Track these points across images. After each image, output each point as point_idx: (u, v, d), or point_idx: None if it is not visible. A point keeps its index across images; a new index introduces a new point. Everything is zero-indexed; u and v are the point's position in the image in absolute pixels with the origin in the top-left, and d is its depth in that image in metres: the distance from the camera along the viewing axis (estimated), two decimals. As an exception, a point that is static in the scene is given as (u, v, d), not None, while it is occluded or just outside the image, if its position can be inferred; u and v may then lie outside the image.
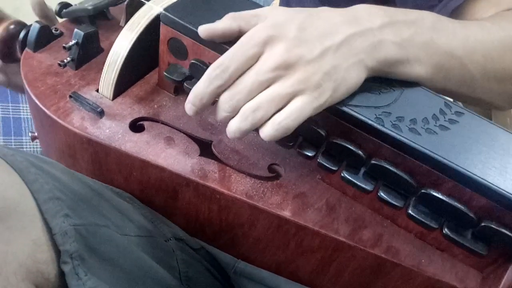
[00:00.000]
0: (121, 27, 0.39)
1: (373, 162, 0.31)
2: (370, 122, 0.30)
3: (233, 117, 0.30)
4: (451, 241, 0.30)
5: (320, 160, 0.33)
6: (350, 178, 0.32)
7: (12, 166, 0.29)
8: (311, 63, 0.28)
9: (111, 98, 0.39)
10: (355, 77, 0.29)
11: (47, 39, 0.43)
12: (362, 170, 0.32)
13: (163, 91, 0.41)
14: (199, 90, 0.31)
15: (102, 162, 0.37)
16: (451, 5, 0.40)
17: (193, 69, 0.35)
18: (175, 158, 0.35)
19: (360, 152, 0.31)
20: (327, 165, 0.32)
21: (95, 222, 0.31)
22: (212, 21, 0.33)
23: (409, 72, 0.31)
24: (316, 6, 0.32)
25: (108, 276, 0.30)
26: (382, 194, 0.31)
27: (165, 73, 0.37)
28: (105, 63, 0.38)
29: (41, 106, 0.37)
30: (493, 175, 0.28)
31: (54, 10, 0.45)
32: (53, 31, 0.43)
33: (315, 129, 0.32)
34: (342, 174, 0.32)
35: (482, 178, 0.28)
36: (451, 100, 0.33)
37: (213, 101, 0.31)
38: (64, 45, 0.39)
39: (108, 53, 0.38)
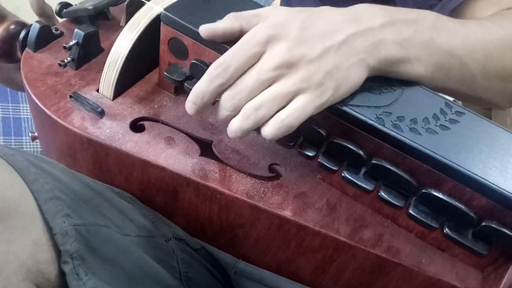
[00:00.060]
0: (122, 27, 0.39)
1: (373, 162, 0.31)
2: (370, 122, 0.30)
3: (234, 116, 0.30)
4: (451, 241, 0.30)
5: (321, 160, 0.33)
6: (350, 178, 0.32)
7: (13, 166, 0.29)
8: (313, 62, 0.28)
9: (111, 98, 0.39)
10: (356, 76, 0.29)
11: (47, 39, 0.43)
12: (363, 170, 0.32)
13: (164, 91, 0.41)
14: (200, 88, 0.30)
15: (102, 162, 0.37)
16: (451, 4, 0.40)
17: (194, 69, 0.35)
18: (176, 158, 0.35)
19: (360, 152, 0.31)
20: (327, 165, 0.32)
21: (96, 222, 0.31)
22: (213, 21, 0.33)
23: (410, 71, 0.31)
24: (317, 5, 0.32)
25: (109, 276, 0.30)
26: (382, 194, 0.31)
27: (165, 73, 0.37)
28: (106, 63, 0.38)
29: (41, 106, 0.37)
30: (493, 175, 0.28)
31: (54, 10, 0.45)
32: (53, 31, 0.43)
33: (316, 129, 0.32)
34: (342, 174, 0.32)
35: (482, 178, 0.28)
36: (452, 99, 0.33)
37: (214, 101, 0.31)
38: (64, 45, 0.39)
39: (108, 53, 0.38)
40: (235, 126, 0.30)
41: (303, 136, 0.34)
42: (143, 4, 0.39)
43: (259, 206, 0.33)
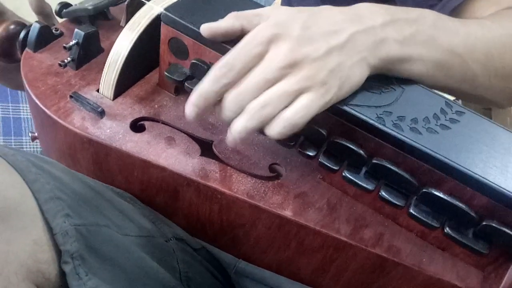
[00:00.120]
0: (122, 27, 0.39)
1: (374, 161, 0.31)
2: (371, 121, 0.30)
3: (234, 117, 0.30)
4: (452, 240, 0.30)
5: (321, 159, 0.33)
6: (351, 177, 0.32)
7: (13, 166, 0.29)
8: (317, 61, 0.28)
9: (111, 98, 0.39)
10: (359, 74, 0.29)
11: (47, 39, 0.43)
12: (363, 170, 0.32)
13: (164, 91, 0.41)
14: (204, 89, 0.30)
15: (102, 162, 0.37)
16: (450, 4, 0.40)
17: (194, 69, 0.35)
18: (176, 158, 0.35)
19: (361, 152, 0.31)
20: (328, 164, 0.32)
21: (96, 222, 0.31)
22: (213, 21, 0.33)
23: (411, 69, 0.31)
24: (318, 5, 0.32)
25: (109, 276, 0.30)
26: (383, 193, 0.31)
27: (166, 73, 0.37)
28: (106, 63, 0.38)
29: (41, 106, 0.37)
30: (494, 174, 0.28)
31: (54, 10, 0.45)
32: (53, 31, 0.43)
33: (316, 129, 0.32)
34: (343, 174, 0.32)
35: (483, 177, 0.28)
36: (452, 99, 0.33)
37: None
38: (64, 45, 0.39)
39: (108, 53, 0.38)
40: (239, 126, 0.29)
41: (303, 135, 0.34)
42: (143, 4, 0.39)
43: (260, 206, 0.33)
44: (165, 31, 0.36)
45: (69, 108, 0.38)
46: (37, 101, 0.38)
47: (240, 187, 0.34)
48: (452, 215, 0.30)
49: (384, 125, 0.30)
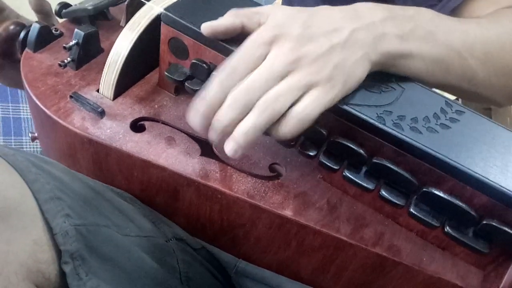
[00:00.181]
0: (122, 27, 0.39)
1: (374, 161, 0.31)
2: (371, 121, 0.30)
3: (239, 118, 0.29)
4: (452, 239, 0.30)
5: (322, 159, 0.33)
6: (351, 177, 0.32)
7: (13, 166, 0.29)
8: (320, 57, 0.28)
9: (111, 98, 0.39)
10: (361, 70, 0.30)
11: (47, 39, 0.43)
12: (364, 169, 0.32)
13: (164, 91, 0.41)
14: (209, 95, 0.29)
15: (102, 162, 0.37)
16: (450, 4, 0.40)
17: (194, 69, 0.35)
18: (176, 158, 0.35)
19: (361, 151, 0.31)
20: (328, 164, 0.32)
21: (96, 222, 0.31)
22: (213, 20, 0.33)
23: (411, 66, 0.31)
24: (318, 5, 0.32)
25: (109, 276, 0.30)
26: (383, 192, 0.31)
27: (166, 73, 0.37)
28: (106, 63, 0.38)
29: (41, 106, 0.37)
30: (494, 173, 0.28)
31: (54, 10, 0.45)
32: (53, 31, 0.43)
33: (317, 128, 0.32)
34: (343, 173, 0.32)
35: (483, 176, 0.28)
36: (452, 98, 0.33)
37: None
38: (64, 45, 0.39)
39: (108, 53, 0.38)
40: (247, 125, 0.28)
41: (303, 135, 0.34)
42: (143, 4, 0.39)
43: (260, 206, 0.33)
44: (165, 31, 0.36)
45: (69, 108, 0.38)
46: (37, 101, 0.38)
47: (240, 187, 0.34)
48: (452, 214, 0.30)
49: (384, 124, 0.30)
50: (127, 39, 0.37)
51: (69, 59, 0.40)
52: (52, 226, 0.28)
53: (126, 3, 0.44)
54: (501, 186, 0.28)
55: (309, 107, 0.28)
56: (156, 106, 0.39)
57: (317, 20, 0.30)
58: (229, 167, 0.35)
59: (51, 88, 0.39)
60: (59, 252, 0.28)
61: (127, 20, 0.39)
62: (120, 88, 0.39)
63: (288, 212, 0.33)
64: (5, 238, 0.26)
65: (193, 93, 0.36)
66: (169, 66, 0.38)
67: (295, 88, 0.28)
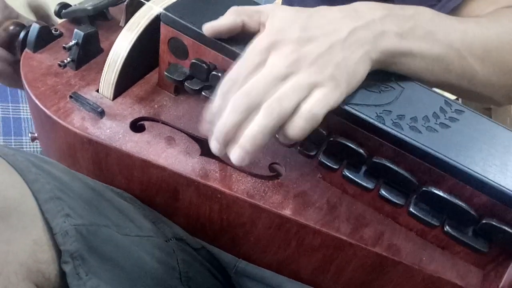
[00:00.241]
0: (121, 28, 0.39)
1: (374, 160, 0.31)
2: (371, 120, 0.30)
3: (241, 123, 0.28)
4: (452, 239, 0.30)
5: (321, 158, 0.33)
6: (351, 176, 0.32)
7: (13, 166, 0.29)
8: (321, 57, 0.28)
9: (111, 98, 0.39)
10: (363, 69, 0.30)
11: (46, 39, 0.43)
12: (363, 169, 0.32)
13: (164, 91, 0.41)
14: (215, 105, 0.29)
15: (102, 162, 0.37)
16: (449, 4, 0.40)
17: (194, 68, 0.35)
18: (176, 157, 0.35)
19: (361, 151, 0.31)
20: (328, 163, 0.32)
21: (96, 222, 0.31)
22: (213, 20, 0.33)
23: (411, 64, 0.31)
24: (318, 5, 0.32)
25: (109, 276, 0.30)
26: (383, 192, 0.31)
27: (165, 73, 0.37)
28: (105, 63, 0.38)
29: (41, 106, 0.37)
30: (493, 173, 0.28)
31: (53, 10, 0.45)
32: (53, 31, 0.43)
33: (316, 128, 0.32)
34: (343, 172, 0.32)
35: (482, 176, 0.28)
36: (452, 98, 0.33)
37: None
38: (64, 45, 0.39)
39: (108, 53, 0.38)
40: (256, 128, 0.27)
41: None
42: (142, 4, 0.39)
43: (260, 205, 0.33)
44: (165, 31, 0.36)
45: (69, 108, 0.38)
46: (36, 102, 0.38)
47: (240, 186, 0.34)
48: (452, 214, 0.30)
49: (383, 124, 0.30)
50: (127, 39, 0.37)
51: (68, 59, 0.40)
52: (52, 226, 0.28)
53: (125, 3, 0.44)
54: (501, 186, 0.28)
55: (316, 106, 0.27)
56: (155, 106, 0.39)
57: (316, 21, 0.30)
58: (228, 167, 0.35)
59: (51, 88, 0.39)
60: (59, 252, 0.28)
61: (127, 20, 0.39)
62: (120, 88, 0.39)
63: (287, 212, 0.33)
64: (5, 238, 0.26)
65: (192, 93, 0.36)
66: (168, 66, 0.38)
67: (300, 88, 0.28)
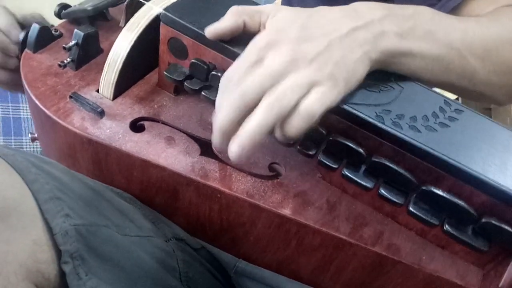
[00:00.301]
0: (121, 28, 0.39)
1: (373, 159, 0.31)
2: (370, 120, 0.30)
3: (238, 120, 0.28)
4: (451, 238, 0.30)
5: (321, 158, 0.33)
6: (350, 175, 0.32)
7: (13, 166, 0.29)
8: (320, 55, 0.28)
9: (111, 98, 0.39)
10: (362, 69, 0.30)
11: (46, 40, 0.43)
12: (363, 168, 0.32)
13: (163, 91, 0.41)
14: (216, 104, 0.29)
15: (102, 162, 0.37)
16: (450, 4, 0.40)
17: (194, 68, 0.35)
18: (176, 157, 0.35)
19: (360, 150, 0.31)
20: (327, 163, 0.33)
21: (96, 222, 0.31)
22: (213, 20, 0.33)
23: (411, 64, 0.31)
24: (318, 5, 0.32)
25: (109, 276, 0.30)
26: (382, 191, 0.31)
27: (165, 73, 0.37)
28: (105, 63, 0.38)
29: (41, 106, 0.37)
30: (493, 172, 0.28)
31: (53, 11, 0.45)
32: (53, 32, 0.44)
33: (316, 127, 0.32)
34: (342, 172, 0.32)
35: (482, 175, 0.28)
36: (451, 97, 0.33)
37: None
38: (64, 45, 0.39)
39: (108, 53, 0.38)
40: (254, 124, 0.27)
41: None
42: (142, 4, 0.39)
43: (259, 205, 0.33)
44: (165, 31, 0.36)
45: (69, 109, 0.38)
46: (36, 102, 0.38)
47: (240, 186, 0.34)
48: (451, 213, 0.30)
49: (383, 123, 0.30)
50: (127, 39, 0.37)
51: (68, 59, 0.40)
52: (52, 226, 0.28)
53: (125, 3, 0.44)
54: (500, 185, 0.28)
55: (316, 103, 0.27)
56: (155, 106, 0.40)
57: (315, 21, 0.30)
58: (228, 167, 0.35)
59: (50, 89, 0.39)
60: (58, 252, 0.28)
61: (127, 21, 0.39)
62: (120, 88, 0.39)
63: (287, 211, 0.33)
64: (5, 238, 0.26)
65: (192, 93, 0.36)
66: (168, 66, 0.38)
67: (299, 86, 0.27)
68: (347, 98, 0.30)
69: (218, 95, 0.29)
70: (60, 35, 0.44)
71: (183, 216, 0.39)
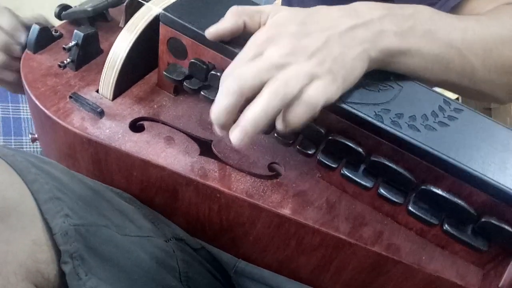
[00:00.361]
0: (121, 28, 0.39)
1: (372, 159, 0.31)
2: (369, 119, 0.30)
3: (233, 107, 0.28)
4: (451, 237, 0.30)
5: (320, 157, 0.33)
6: (350, 175, 0.32)
7: (13, 167, 0.29)
8: (319, 51, 0.28)
9: (111, 98, 0.39)
10: (360, 67, 0.30)
11: (47, 40, 0.43)
12: (362, 167, 0.32)
13: (163, 91, 0.41)
14: (218, 99, 0.29)
15: (102, 162, 0.38)
16: (450, 3, 0.40)
17: (193, 68, 0.35)
18: (175, 157, 0.35)
19: (359, 149, 0.31)
20: (327, 162, 0.32)
21: (95, 222, 0.31)
22: (212, 20, 0.33)
23: (410, 63, 0.31)
24: (318, 5, 0.32)
25: (108, 276, 0.30)
26: (382, 191, 0.31)
27: (164, 73, 0.37)
28: (105, 64, 0.38)
29: (41, 107, 0.37)
30: (492, 171, 0.28)
31: (54, 12, 0.45)
32: (53, 32, 0.44)
33: (315, 127, 0.32)
34: (342, 171, 0.32)
35: (482, 174, 0.28)
36: (450, 97, 0.33)
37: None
38: (64, 46, 0.39)
39: (107, 54, 0.38)
40: (258, 109, 0.26)
41: (302, 134, 0.34)
42: (141, 5, 0.39)
43: (259, 205, 0.33)
44: (164, 31, 0.36)
45: (69, 109, 0.38)
46: (36, 102, 0.38)
47: (239, 186, 0.34)
48: (451, 212, 0.30)
49: (382, 122, 0.30)
50: (126, 40, 0.38)
51: (68, 60, 0.40)
52: (52, 226, 0.28)
53: (125, 4, 0.44)
54: (500, 184, 0.28)
55: (318, 93, 0.27)
56: (155, 106, 0.40)
57: (315, 18, 0.30)
58: (228, 167, 0.35)
59: (50, 89, 0.39)
60: (58, 252, 0.28)
61: (126, 21, 0.39)
62: (120, 89, 0.39)
63: (287, 211, 0.33)
64: (4, 238, 0.26)
65: (192, 92, 0.36)
66: (168, 66, 0.38)
67: (302, 75, 0.27)
68: (346, 97, 0.30)
69: (220, 88, 0.29)
70: (60, 36, 0.44)
71: (182, 216, 0.39)
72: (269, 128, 0.33)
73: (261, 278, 0.39)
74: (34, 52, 0.42)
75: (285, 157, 0.37)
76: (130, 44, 0.37)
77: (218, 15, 0.33)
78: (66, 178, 0.33)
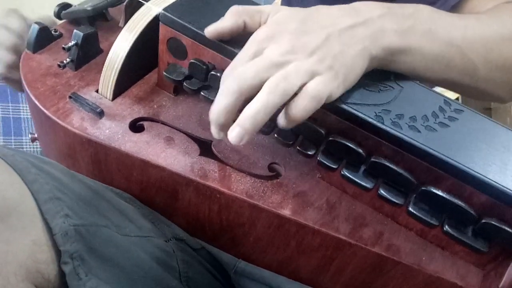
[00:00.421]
0: (120, 28, 0.39)
1: (373, 159, 0.31)
2: (369, 120, 0.30)
3: (233, 106, 0.28)
4: (451, 238, 0.30)
5: (320, 158, 0.33)
6: (350, 175, 0.32)
7: (12, 167, 0.29)
8: (319, 48, 0.28)
9: (110, 98, 0.39)
10: (361, 65, 0.29)
11: (46, 40, 0.43)
12: (362, 168, 0.32)
13: (163, 91, 0.41)
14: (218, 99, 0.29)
15: (102, 162, 0.37)
16: (450, 2, 0.40)
17: (193, 68, 0.35)
18: (175, 157, 0.35)
19: (360, 150, 0.31)
20: (327, 163, 0.32)
21: (95, 222, 0.31)
22: (212, 20, 0.33)
23: (411, 62, 0.31)
24: (318, 5, 0.32)
25: (109, 276, 0.30)
26: (382, 191, 0.31)
27: (164, 73, 0.37)
28: (105, 64, 0.38)
29: (40, 107, 0.37)
30: (493, 172, 0.28)
31: (53, 11, 0.45)
32: (53, 32, 0.44)
33: (315, 128, 0.32)
34: (342, 172, 0.32)
35: (482, 175, 0.28)
36: (450, 97, 0.33)
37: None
38: (63, 46, 0.39)
39: (107, 54, 0.38)
40: (257, 106, 0.26)
41: (302, 134, 0.34)
42: (141, 4, 0.39)
43: (259, 205, 0.33)
44: (164, 31, 0.36)
45: (68, 109, 0.38)
46: (36, 102, 0.38)
47: (239, 186, 0.34)
48: (451, 213, 0.30)
49: (382, 123, 0.30)
50: (126, 39, 0.37)
51: (68, 59, 0.40)
52: (52, 227, 0.28)
53: (125, 4, 0.44)
54: (500, 185, 0.28)
55: (322, 86, 0.27)
56: (155, 106, 0.40)
57: (315, 17, 0.30)
58: (228, 167, 0.35)
59: (50, 89, 0.39)
60: (58, 252, 0.28)
61: (126, 21, 0.39)
62: (119, 89, 0.39)
63: (287, 212, 0.33)
64: (4, 238, 0.26)
65: (191, 93, 0.36)
66: (167, 66, 0.38)
67: (302, 71, 0.27)
68: (347, 97, 0.30)
69: (220, 86, 0.29)
70: (60, 36, 0.44)
71: (182, 216, 0.39)
72: (269, 128, 0.33)
73: (261, 278, 0.39)
74: (34, 52, 0.42)
75: (285, 157, 0.37)
76: (130, 44, 0.37)
77: (218, 15, 0.32)
78: (66, 178, 0.33)
